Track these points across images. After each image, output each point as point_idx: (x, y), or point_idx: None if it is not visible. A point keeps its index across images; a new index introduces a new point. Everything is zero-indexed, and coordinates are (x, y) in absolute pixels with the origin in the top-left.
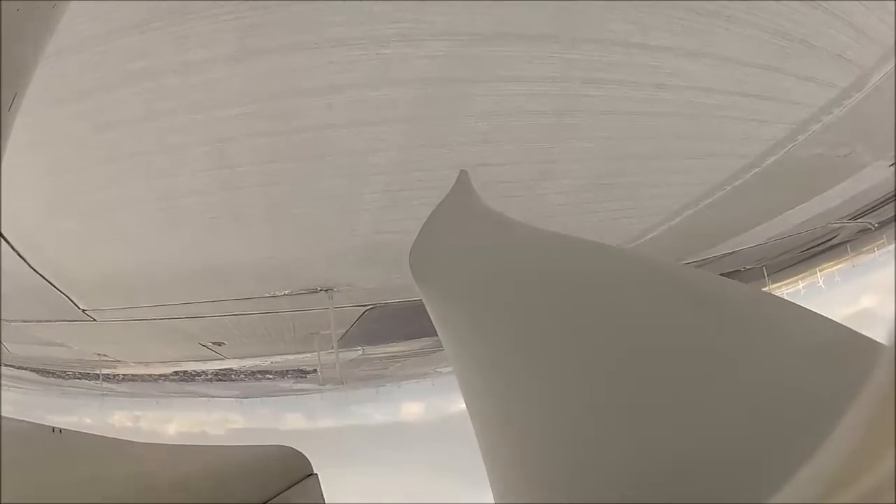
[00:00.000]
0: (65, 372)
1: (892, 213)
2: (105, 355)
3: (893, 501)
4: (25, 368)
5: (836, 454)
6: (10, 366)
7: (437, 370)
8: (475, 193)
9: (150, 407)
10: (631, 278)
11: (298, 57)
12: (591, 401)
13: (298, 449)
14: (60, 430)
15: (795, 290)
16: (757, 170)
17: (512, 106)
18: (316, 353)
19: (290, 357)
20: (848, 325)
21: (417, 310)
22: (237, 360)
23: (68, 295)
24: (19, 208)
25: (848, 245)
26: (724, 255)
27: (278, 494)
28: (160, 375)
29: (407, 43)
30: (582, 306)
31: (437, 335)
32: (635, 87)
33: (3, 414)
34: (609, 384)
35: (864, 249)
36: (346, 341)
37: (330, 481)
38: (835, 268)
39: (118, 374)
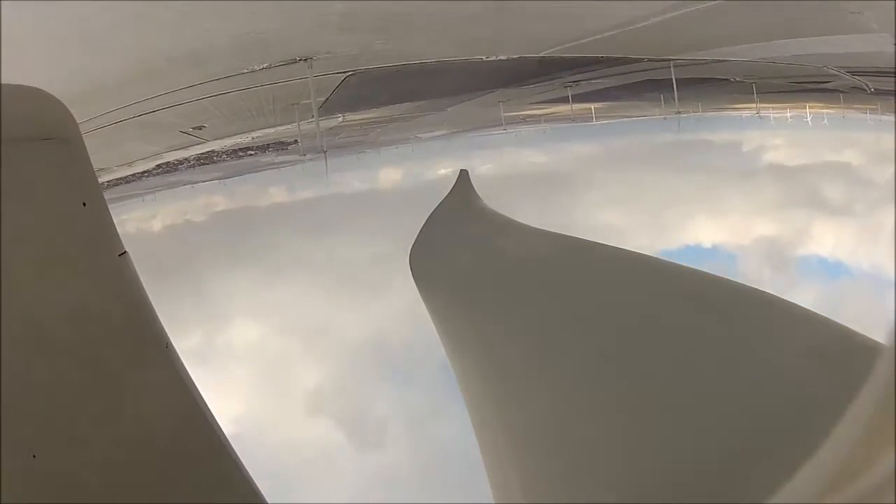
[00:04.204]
0: None
1: (891, 87)
2: None
3: (893, 501)
4: None
5: (836, 454)
6: None
7: (418, 135)
8: (475, 193)
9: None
10: (631, 279)
11: None
12: (591, 400)
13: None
14: None
15: (782, 115)
16: None
17: None
18: (296, 124)
19: (271, 130)
20: (822, 179)
21: (399, 74)
22: (218, 140)
23: None
24: None
25: (841, 95)
26: (714, 61)
27: (25, 140)
28: (143, 172)
29: None
30: (582, 307)
31: (419, 100)
32: None
33: None
34: (609, 384)
35: (857, 106)
36: (327, 109)
37: (306, 251)
38: (824, 111)
39: (102, 183)
